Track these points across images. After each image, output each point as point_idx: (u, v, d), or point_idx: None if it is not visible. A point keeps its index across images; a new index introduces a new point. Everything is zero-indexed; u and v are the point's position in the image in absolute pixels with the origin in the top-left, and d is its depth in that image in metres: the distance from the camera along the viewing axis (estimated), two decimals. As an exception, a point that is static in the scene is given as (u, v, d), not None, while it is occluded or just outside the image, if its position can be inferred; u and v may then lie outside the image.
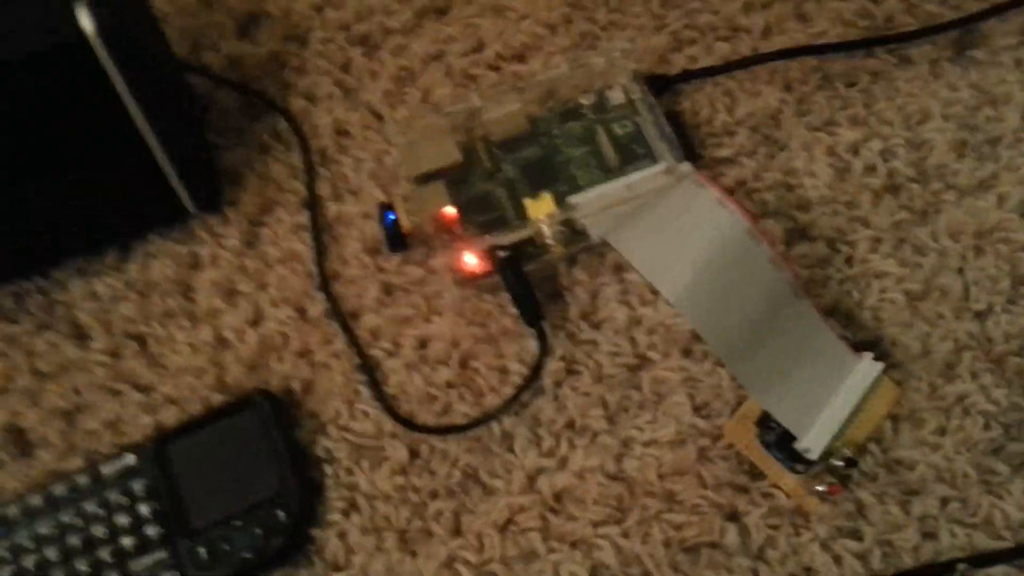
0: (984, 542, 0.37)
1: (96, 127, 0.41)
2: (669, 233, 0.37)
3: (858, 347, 0.40)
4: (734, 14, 0.49)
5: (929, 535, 0.37)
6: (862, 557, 0.37)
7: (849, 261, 0.43)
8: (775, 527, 0.38)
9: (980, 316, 0.41)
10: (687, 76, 0.48)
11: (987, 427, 0.39)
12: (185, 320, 0.44)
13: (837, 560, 0.37)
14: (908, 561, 0.37)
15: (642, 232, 0.38)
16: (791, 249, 0.43)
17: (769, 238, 0.38)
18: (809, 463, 0.37)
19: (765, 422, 0.38)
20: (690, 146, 0.46)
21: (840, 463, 0.37)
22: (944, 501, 0.38)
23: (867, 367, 0.38)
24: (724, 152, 0.46)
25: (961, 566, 0.36)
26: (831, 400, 0.38)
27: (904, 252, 0.43)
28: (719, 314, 0.36)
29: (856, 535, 0.37)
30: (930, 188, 0.44)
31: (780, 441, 0.37)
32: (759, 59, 0.47)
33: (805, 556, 0.37)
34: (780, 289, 0.37)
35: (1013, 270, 0.41)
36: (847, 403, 0.37)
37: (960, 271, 0.42)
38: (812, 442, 0.37)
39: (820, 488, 0.37)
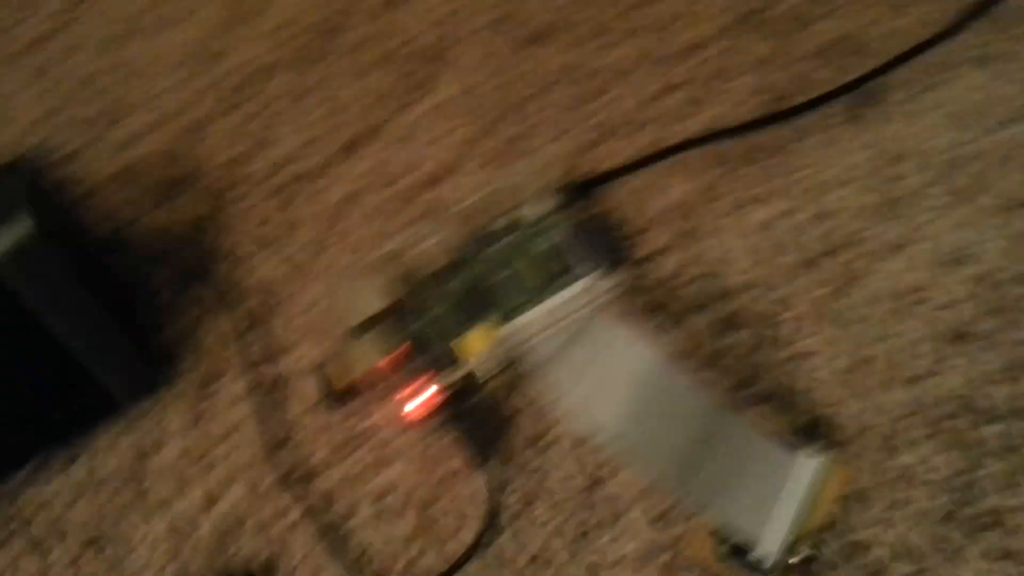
0: (950, 611, 0.38)
1: (10, 341, 0.41)
2: (591, 377, 0.37)
3: (802, 436, 0.40)
4: (631, 110, 0.50)
5: (895, 615, 0.38)
6: (834, 647, 0.38)
7: (775, 345, 0.44)
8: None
9: (910, 383, 0.42)
10: (595, 181, 0.49)
11: (934, 496, 0.39)
12: (137, 517, 0.44)
13: (812, 655, 0.38)
14: (880, 644, 0.37)
15: (565, 378, 0.38)
16: (720, 341, 0.44)
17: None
18: (769, 570, 0.37)
19: (719, 533, 0.39)
20: (614, 249, 0.46)
21: (797, 560, 0.38)
22: (905, 578, 0.38)
23: (804, 463, 0.39)
24: (641, 251, 0.47)
25: (930, 643, 0.37)
26: (776, 503, 0.38)
27: (826, 329, 0.43)
28: (651, 445, 0.36)
29: (826, 626, 0.38)
30: (841, 259, 0.45)
31: (736, 552, 0.38)
32: (659, 155, 0.49)
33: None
34: (705, 409, 0.38)
35: (933, 331, 0.42)
36: (792, 502, 0.38)
37: (883, 339, 0.43)
38: (766, 549, 0.37)
39: None
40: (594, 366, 0.38)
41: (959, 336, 0.42)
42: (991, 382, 0.41)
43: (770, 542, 0.37)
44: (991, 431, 0.40)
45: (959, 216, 0.45)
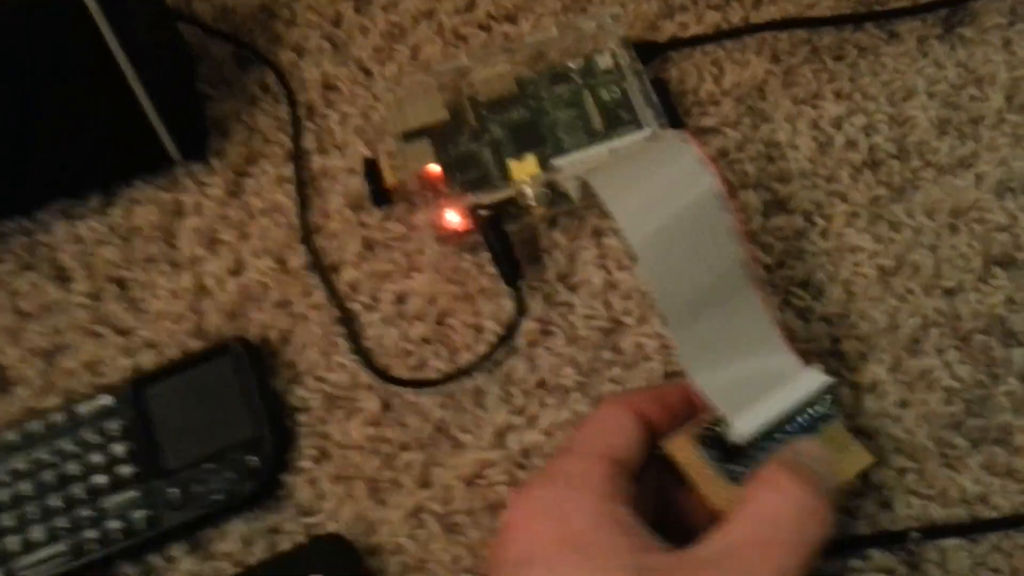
0: (939, 513, 0.38)
1: (83, 71, 0.41)
2: (645, 181, 0.36)
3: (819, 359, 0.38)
4: (726, -17, 0.49)
5: (885, 504, 0.38)
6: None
7: (824, 234, 0.43)
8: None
9: (950, 293, 0.41)
10: (676, 44, 0.48)
11: (949, 402, 0.39)
12: (166, 266, 0.44)
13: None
14: (864, 528, 0.38)
15: (619, 176, 0.37)
16: (768, 221, 0.44)
17: (739, 214, 0.37)
18: (746, 465, 0.35)
19: (704, 436, 0.36)
20: (675, 114, 0.46)
21: None
22: (902, 471, 0.39)
23: (812, 377, 0.36)
24: (708, 121, 0.46)
25: (914, 535, 0.37)
26: (768, 396, 0.36)
27: (879, 228, 0.43)
28: (673, 272, 0.35)
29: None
30: (909, 165, 0.44)
31: (714, 442, 0.35)
32: (749, 29, 0.48)
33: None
34: (736, 269, 0.36)
35: (985, 250, 0.42)
36: (784, 403, 0.36)
37: (933, 248, 0.42)
38: (744, 426, 0.35)
39: None
40: (654, 172, 0.36)
41: (1010, 261, 0.42)
42: (1031, 309, 0.40)
43: (750, 422, 0.35)
44: (1019, 353, 0.40)
45: (1035, 147, 0.44)
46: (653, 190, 0.36)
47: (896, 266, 0.42)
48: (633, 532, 0.32)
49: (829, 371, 0.37)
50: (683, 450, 0.35)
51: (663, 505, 0.36)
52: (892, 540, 0.37)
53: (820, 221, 0.44)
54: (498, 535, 0.33)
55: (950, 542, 0.37)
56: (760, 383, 0.36)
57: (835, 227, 0.43)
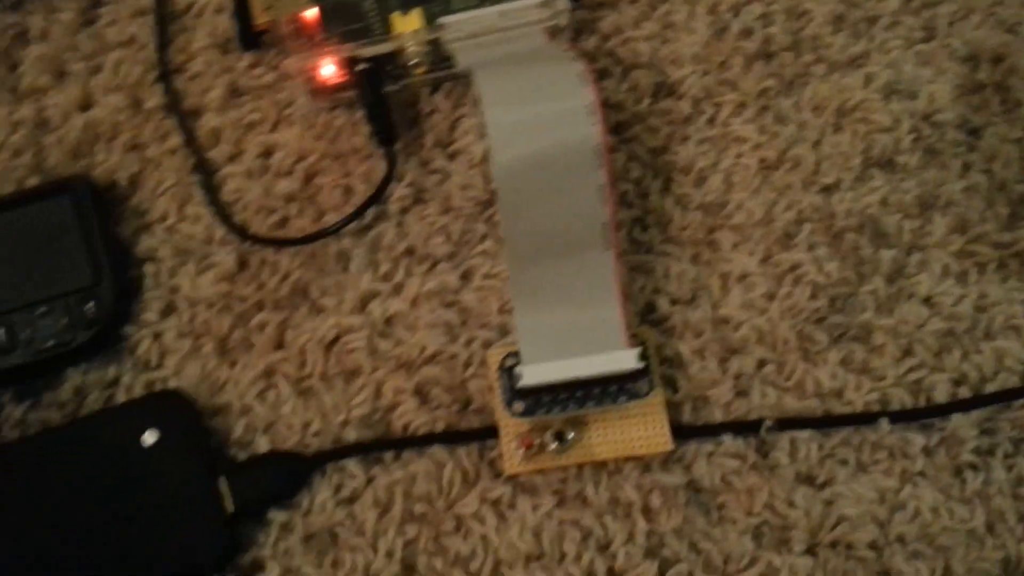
0: (794, 406, 0.38)
1: None
2: (529, 105, 0.34)
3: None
4: None
5: (742, 393, 0.38)
6: (675, 407, 0.38)
7: (711, 122, 0.42)
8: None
9: (827, 191, 0.41)
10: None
11: (814, 297, 0.39)
12: (6, 94, 0.40)
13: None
14: (719, 415, 0.38)
15: (504, 86, 0.36)
16: (657, 103, 0.42)
17: (611, 170, 0.36)
18: (524, 412, 0.36)
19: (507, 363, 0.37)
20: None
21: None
22: (761, 363, 0.39)
23: (625, 357, 0.36)
24: (605, -3, 0.44)
25: (768, 423, 0.37)
26: (573, 358, 0.36)
27: (765, 119, 0.42)
28: (527, 207, 0.34)
29: (673, 386, 0.38)
30: (802, 59, 0.43)
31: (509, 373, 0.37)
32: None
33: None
34: (595, 228, 0.35)
35: (867, 150, 0.42)
36: (581, 371, 0.36)
37: (815, 145, 0.42)
38: (530, 375, 0.36)
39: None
40: (539, 94, 0.35)
41: (888, 163, 0.42)
42: (902, 213, 0.41)
43: (538, 374, 0.36)
44: (887, 255, 0.40)
45: (925, 53, 0.43)
46: (533, 118, 0.34)
47: (778, 159, 0.42)
48: None
49: (700, 261, 0.36)
50: (493, 358, 0.37)
51: None
52: (746, 428, 0.38)
53: (708, 109, 0.43)
54: None
55: (802, 434, 0.38)
56: (573, 344, 0.36)
57: (722, 116, 0.42)
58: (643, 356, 0.36)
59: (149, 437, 0.35)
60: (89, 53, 0.41)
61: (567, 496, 0.37)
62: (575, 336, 0.36)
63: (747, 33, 0.44)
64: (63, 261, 0.37)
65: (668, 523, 0.37)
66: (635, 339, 0.37)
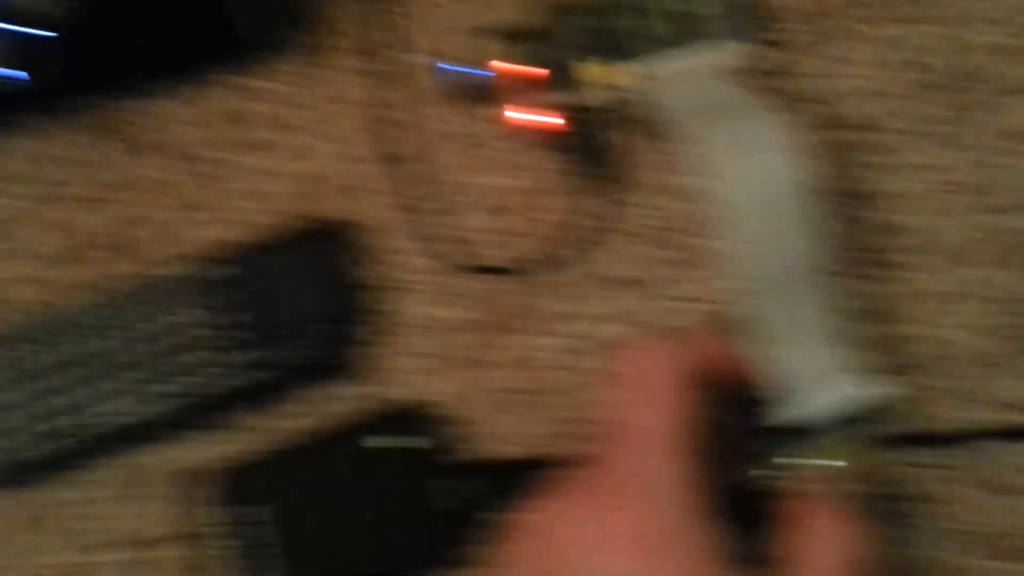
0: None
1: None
2: (746, 155, 0.38)
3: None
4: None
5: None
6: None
7: (875, 150, 0.45)
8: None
9: (994, 211, 0.44)
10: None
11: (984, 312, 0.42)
12: (239, 148, 0.46)
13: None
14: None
15: (716, 129, 0.40)
16: (822, 134, 0.45)
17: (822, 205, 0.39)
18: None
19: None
20: (752, 27, 0.46)
21: None
22: (947, 375, 0.41)
23: (875, 387, 0.37)
24: (774, 35, 0.47)
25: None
26: (821, 390, 0.37)
27: (930, 147, 0.45)
28: (762, 244, 0.37)
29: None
30: (966, 87, 0.46)
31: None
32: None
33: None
34: (818, 263, 0.38)
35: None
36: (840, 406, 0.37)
37: (983, 167, 0.44)
38: (790, 412, 0.37)
39: None
40: (745, 145, 0.39)
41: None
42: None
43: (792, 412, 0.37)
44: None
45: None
46: (753, 165, 0.38)
47: (944, 183, 0.44)
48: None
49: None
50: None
51: None
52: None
53: (872, 136, 0.45)
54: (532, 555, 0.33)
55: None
56: (820, 377, 0.37)
57: (887, 142, 0.45)
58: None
59: (389, 442, 0.41)
60: (309, 108, 0.47)
61: None
62: (819, 369, 0.37)
63: (907, 65, 0.46)
64: (309, 293, 0.43)
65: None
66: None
